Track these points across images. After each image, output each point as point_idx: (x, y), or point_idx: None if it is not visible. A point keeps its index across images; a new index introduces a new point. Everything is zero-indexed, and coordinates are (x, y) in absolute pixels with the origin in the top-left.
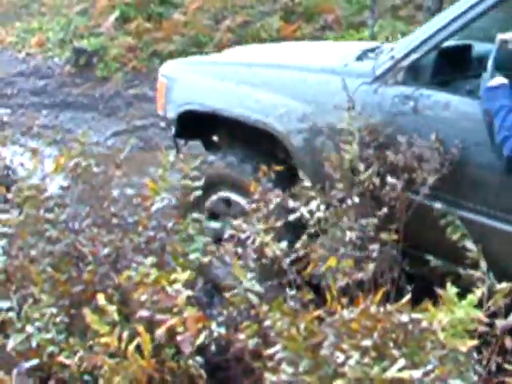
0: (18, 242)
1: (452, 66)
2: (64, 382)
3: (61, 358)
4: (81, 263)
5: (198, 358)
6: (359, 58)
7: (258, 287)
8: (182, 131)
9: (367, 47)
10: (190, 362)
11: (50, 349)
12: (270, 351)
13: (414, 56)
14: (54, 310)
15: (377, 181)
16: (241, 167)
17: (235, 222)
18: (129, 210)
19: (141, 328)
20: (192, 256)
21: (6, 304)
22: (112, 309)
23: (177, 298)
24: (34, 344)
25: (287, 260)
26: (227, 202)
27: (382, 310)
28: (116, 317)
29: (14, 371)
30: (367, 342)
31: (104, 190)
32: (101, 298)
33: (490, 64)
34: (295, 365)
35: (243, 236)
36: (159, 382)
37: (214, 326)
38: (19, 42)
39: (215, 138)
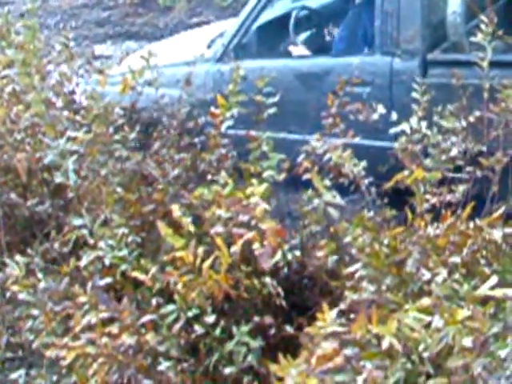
0: (87, 161)
1: (273, 37)
2: (137, 300)
3: (134, 274)
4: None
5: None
6: (209, 46)
7: (338, 199)
8: None
9: (216, 34)
10: (267, 279)
11: (123, 267)
12: (351, 269)
13: (235, 40)
14: (126, 230)
15: None
16: None
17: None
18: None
19: (219, 240)
20: (266, 174)
21: (78, 222)
22: (187, 221)
23: (254, 209)
24: (107, 262)
25: (366, 180)
26: None
27: (471, 225)
28: (191, 229)
29: (89, 285)
30: (456, 259)
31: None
32: (175, 210)
33: (290, 28)
34: (378, 282)
35: (319, 151)
36: (235, 299)
37: (286, 248)
38: None
39: None
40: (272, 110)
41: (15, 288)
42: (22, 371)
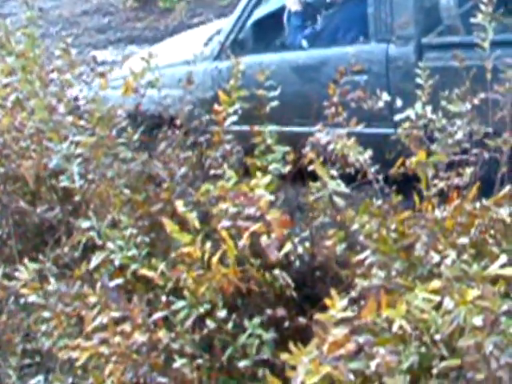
0: (93, 164)
1: (269, 31)
2: (149, 299)
3: (143, 271)
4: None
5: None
6: (206, 45)
7: (343, 187)
8: None
9: (213, 32)
10: (277, 271)
11: (134, 267)
12: (360, 257)
13: (231, 36)
14: (134, 231)
15: None
16: None
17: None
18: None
19: (224, 233)
20: (271, 167)
21: (86, 224)
22: (192, 216)
23: (259, 200)
24: (117, 263)
25: (372, 169)
26: None
27: (478, 205)
28: (197, 224)
29: (98, 284)
30: (464, 240)
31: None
32: (179, 205)
33: (285, 22)
34: (387, 268)
35: (323, 141)
36: (246, 292)
37: (296, 241)
38: None
39: None
40: (274, 104)
41: (25, 291)
42: (40, 377)
